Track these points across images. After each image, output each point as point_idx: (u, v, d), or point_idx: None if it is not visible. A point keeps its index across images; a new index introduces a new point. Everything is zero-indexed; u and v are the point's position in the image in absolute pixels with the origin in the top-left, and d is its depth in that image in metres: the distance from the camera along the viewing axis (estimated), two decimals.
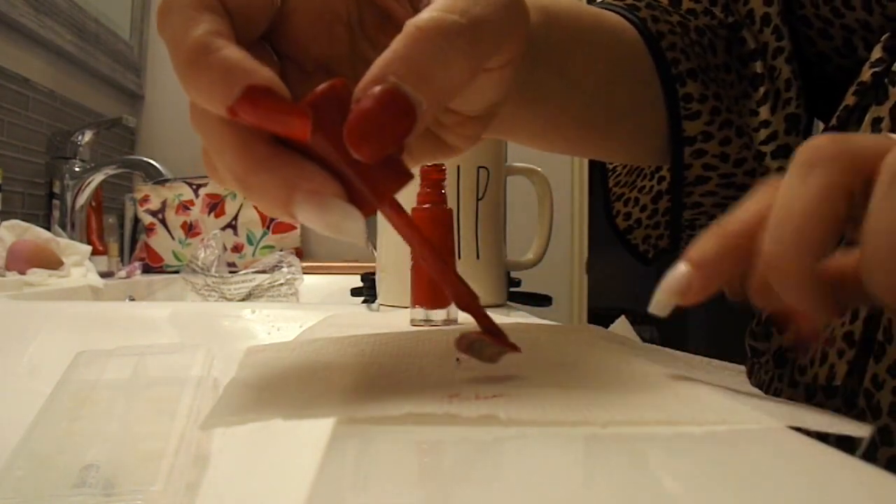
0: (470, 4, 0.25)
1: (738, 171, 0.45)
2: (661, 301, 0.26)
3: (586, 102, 0.40)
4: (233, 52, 0.22)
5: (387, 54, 0.23)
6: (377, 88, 0.22)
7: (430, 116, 0.24)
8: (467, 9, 0.24)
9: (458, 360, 0.27)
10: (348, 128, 0.22)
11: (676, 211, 0.47)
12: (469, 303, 0.26)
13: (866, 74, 0.39)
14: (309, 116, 0.22)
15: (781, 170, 0.44)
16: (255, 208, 1.40)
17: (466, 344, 0.26)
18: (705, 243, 0.26)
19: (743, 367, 0.46)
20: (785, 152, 0.44)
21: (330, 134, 0.23)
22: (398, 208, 0.25)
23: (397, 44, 0.23)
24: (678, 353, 0.33)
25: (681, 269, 0.26)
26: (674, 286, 0.26)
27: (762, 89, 0.45)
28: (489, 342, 0.26)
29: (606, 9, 0.45)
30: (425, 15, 0.24)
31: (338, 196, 0.23)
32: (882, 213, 0.22)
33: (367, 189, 0.24)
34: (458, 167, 0.60)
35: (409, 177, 0.25)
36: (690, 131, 0.44)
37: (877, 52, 0.39)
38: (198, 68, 0.22)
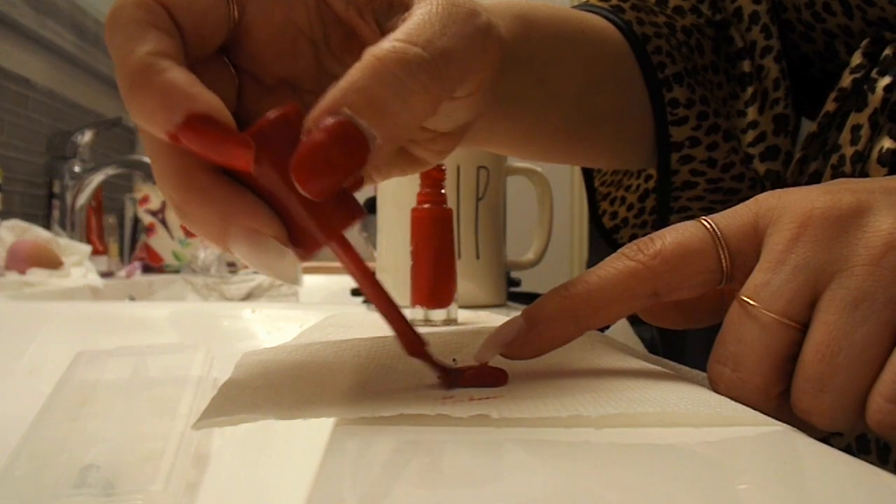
0: (435, 35, 0.23)
1: (726, 176, 0.45)
2: (484, 349, 0.25)
3: (567, 110, 0.39)
4: (176, 76, 0.21)
5: (342, 84, 0.22)
6: (329, 120, 0.21)
7: (386, 152, 0.22)
8: (432, 40, 0.23)
9: (454, 360, 0.27)
10: (296, 162, 0.21)
11: (663, 216, 0.47)
12: (417, 350, 0.24)
13: (847, 80, 0.39)
14: (251, 147, 0.21)
15: (770, 172, 0.44)
16: None
17: (450, 384, 0.25)
18: (549, 302, 0.26)
19: None
20: (773, 154, 0.44)
21: (277, 165, 0.21)
22: (346, 245, 0.23)
23: (354, 73, 0.22)
24: (676, 364, 0.33)
25: (514, 321, 0.26)
26: (501, 338, 0.25)
27: (750, 89, 0.45)
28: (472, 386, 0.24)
29: (590, 11, 0.44)
30: (386, 45, 0.22)
31: (276, 236, 0.22)
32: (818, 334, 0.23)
33: (315, 225, 0.22)
34: (458, 167, 0.60)
35: (361, 214, 0.23)
36: (677, 137, 0.43)
37: (857, 58, 0.39)
38: (139, 90, 0.21)
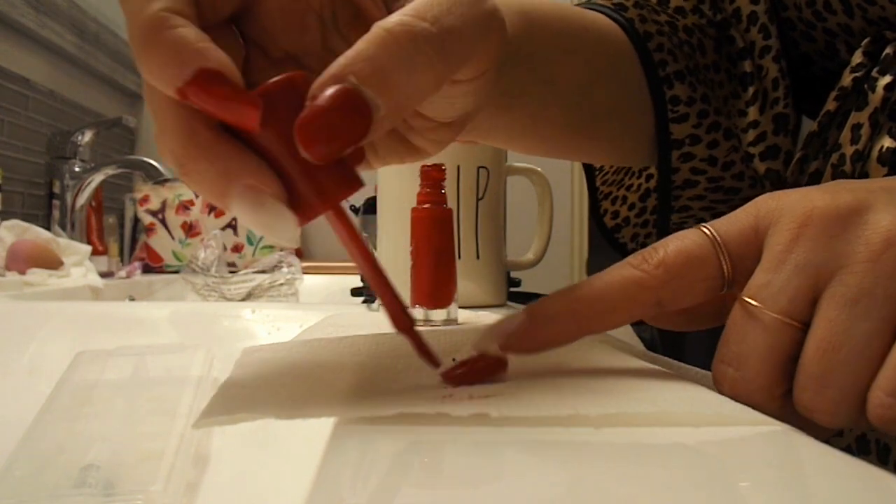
0: (443, 13, 0.24)
1: (727, 175, 0.45)
2: (485, 339, 0.25)
3: (567, 105, 0.39)
4: (188, 32, 0.21)
5: (349, 53, 0.22)
6: (335, 87, 0.21)
7: (389, 124, 0.23)
8: (439, 17, 0.23)
9: (454, 359, 0.27)
10: (299, 125, 0.21)
11: (664, 214, 0.47)
12: (405, 326, 0.25)
13: (847, 79, 0.39)
14: (258, 106, 0.21)
15: (770, 171, 0.44)
16: None
17: (453, 379, 0.25)
18: (553, 301, 0.26)
19: None
20: (773, 153, 0.44)
21: (280, 128, 0.22)
22: (342, 215, 0.23)
23: (362, 44, 0.22)
24: (676, 362, 0.33)
25: (517, 315, 0.26)
26: (503, 330, 0.25)
27: (751, 89, 0.45)
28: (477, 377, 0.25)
29: (593, 9, 0.44)
30: (395, 18, 0.23)
31: (276, 196, 0.22)
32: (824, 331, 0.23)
33: (312, 192, 0.22)
34: (458, 167, 0.60)
35: (358, 184, 0.23)
36: (678, 134, 0.44)
37: (857, 57, 0.39)
38: (151, 45, 0.21)
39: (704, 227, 0.26)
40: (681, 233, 0.26)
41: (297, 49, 0.28)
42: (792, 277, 0.24)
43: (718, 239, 0.26)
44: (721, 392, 0.25)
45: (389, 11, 0.26)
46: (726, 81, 0.46)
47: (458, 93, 0.28)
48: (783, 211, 0.25)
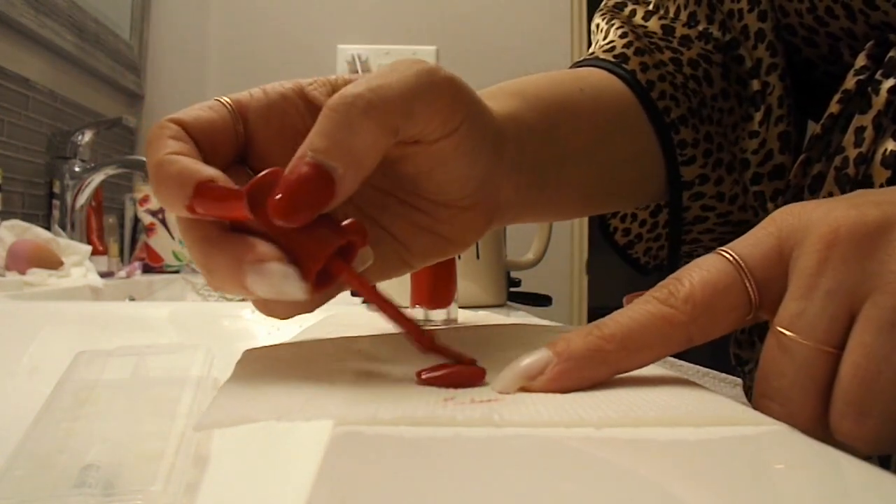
0: (373, 78, 0.27)
1: (734, 208, 0.46)
2: (508, 380, 0.24)
3: (584, 169, 0.40)
4: (184, 161, 0.26)
5: (308, 135, 0.26)
6: (297, 164, 0.25)
7: (352, 181, 0.26)
8: (371, 80, 0.27)
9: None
10: (270, 201, 0.24)
11: (674, 249, 0.48)
12: (430, 345, 0.26)
13: (851, 82, 0.39)
14: (242, 197, 0.25)
15: (778, 192, 0.45)
16: None
17: (427, 382, 0.25)
18: (580, 340, 0.25)
19: (740, 381, 0.47)
20: (779, 173, 0.45)
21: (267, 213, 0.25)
22: (345, 267, 0.26)
23: (314, 125, 0.26)
24: (675, 361, 0.33)
25: (543, 355, 0.24)
26: (528, 372, 0.24)
27: (763, 107, 0.45)
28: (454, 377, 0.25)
29: (593, 65, 0.45)
30: (335, 95, 0.27)
31: (277, 260, 0.25)
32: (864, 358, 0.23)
33: (306, 256, 0.26)
34: None
35: (340, 238, 0.26)
36: (688, 176, 0.45)
37: (861, 60, 0.39)
38: (159, 181, 0.26)
39: (726, 252, 0.25)
40: (703, 260, 0.25)
41: None
42: (826, 305, 0.23)
43: (742, 264, 0.25)
44: None
45: None
46: (736, 106, 0.46)
47: (439, 158, 0.29)
48: (807, 230, 0.24)
